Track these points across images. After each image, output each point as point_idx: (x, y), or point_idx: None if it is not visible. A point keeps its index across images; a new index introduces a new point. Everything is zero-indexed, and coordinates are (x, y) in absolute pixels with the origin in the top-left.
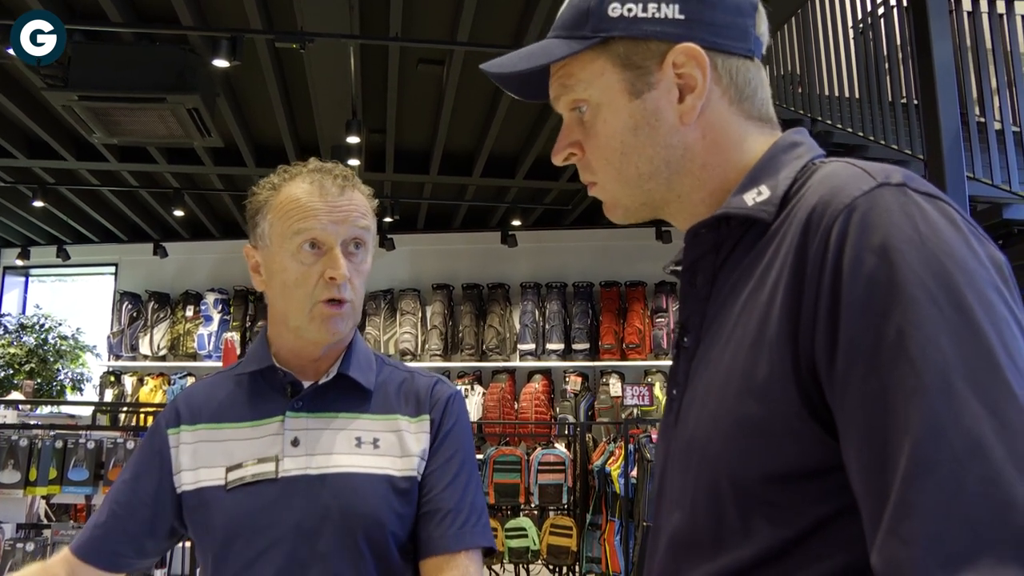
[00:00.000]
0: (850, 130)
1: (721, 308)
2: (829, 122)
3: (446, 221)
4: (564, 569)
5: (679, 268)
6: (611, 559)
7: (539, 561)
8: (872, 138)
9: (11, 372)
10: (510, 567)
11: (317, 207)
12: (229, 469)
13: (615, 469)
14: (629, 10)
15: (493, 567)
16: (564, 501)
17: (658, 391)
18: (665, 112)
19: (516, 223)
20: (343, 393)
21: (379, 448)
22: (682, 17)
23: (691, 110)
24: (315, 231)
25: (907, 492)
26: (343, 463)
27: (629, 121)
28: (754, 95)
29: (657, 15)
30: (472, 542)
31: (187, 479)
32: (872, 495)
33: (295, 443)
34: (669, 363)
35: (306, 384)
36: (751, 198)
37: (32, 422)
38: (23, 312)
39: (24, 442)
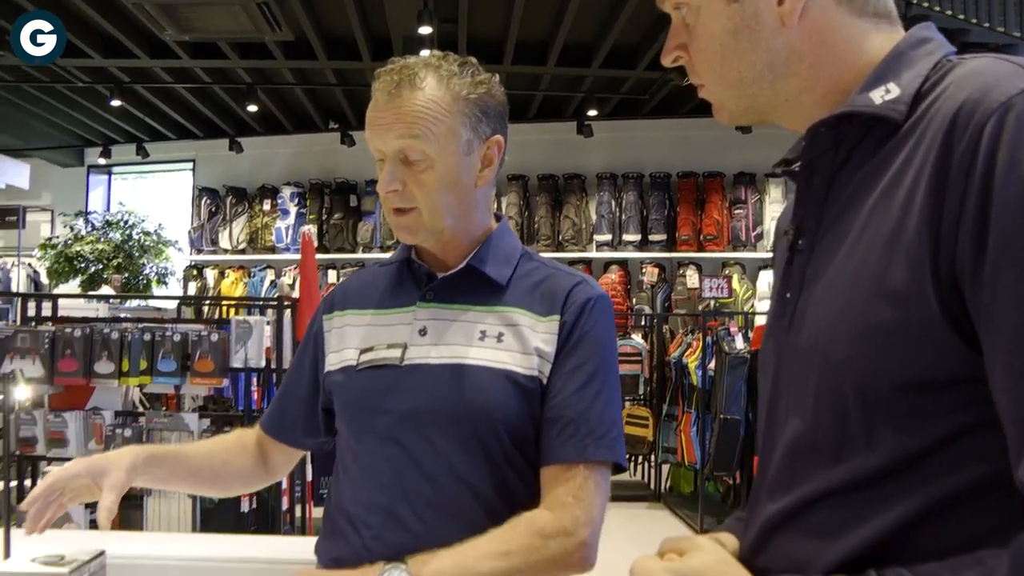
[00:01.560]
0: (949, 13)
1: (843, 210)
2: (926, 4)
3: (521, 111)
4: (640, 458)
5: (791, 167)
6: (687, 450)
7: None
8: (975, 21)
9: (100, 267)
10: None
11: (372, 117)
12: (362, 351)
13: (692, 361)
14: None
15: None
16: (641, 392)
17: (736, 283)
18: (764, 14)
19: (592, 113)
20: (474, 286)
21: (502, 343)
22: None
23: (791, 12)
24: (372, 142)
25: None
26: (464, 355)
27: (728, 24)
28: None
29: None
30: (595, 455)
31: (332, 360)
32: (1018, 409)
33: (423, 332)
34: (747, 255)
35: (440, 275)
36: (878, 96)
37: (122, 315)
38: (108, 209)
39: (115, 335)
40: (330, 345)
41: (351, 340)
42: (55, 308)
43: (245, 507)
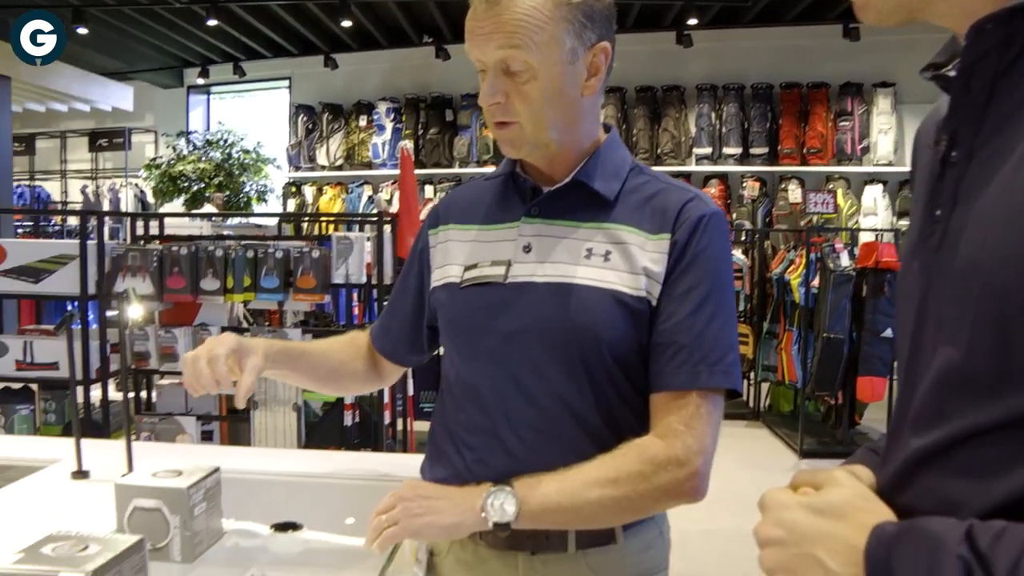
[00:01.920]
0: None
1: (1007, 119)
2: None
3: (618, 21)
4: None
5: (942, 71)
6: (788, 369)
7: None
8: None
9: (202, 186)
10: None
11: (471, 27)
12: (466, 268)
13: (795, 278)
14: None
15: None
16: (741, 308)
17: (840, 199)
18: None
19: (692, 22)
20: (580, 201)
21: (609, 261)
22: None
23: None
24: (471, 53)
25: None
26: (569, 273)
27: None
28: None
29: None
30: (708, 381)
31: (436, 276)
32: None
33: (527, 249)
34: (852, 169)
35: (545, 189)
36: None
37: (225, 232)
38: (207, 129)
39: (220, 253)
40: (435, 261)
41: (455, 256)
42: (162, 227)
43: (348, 421)
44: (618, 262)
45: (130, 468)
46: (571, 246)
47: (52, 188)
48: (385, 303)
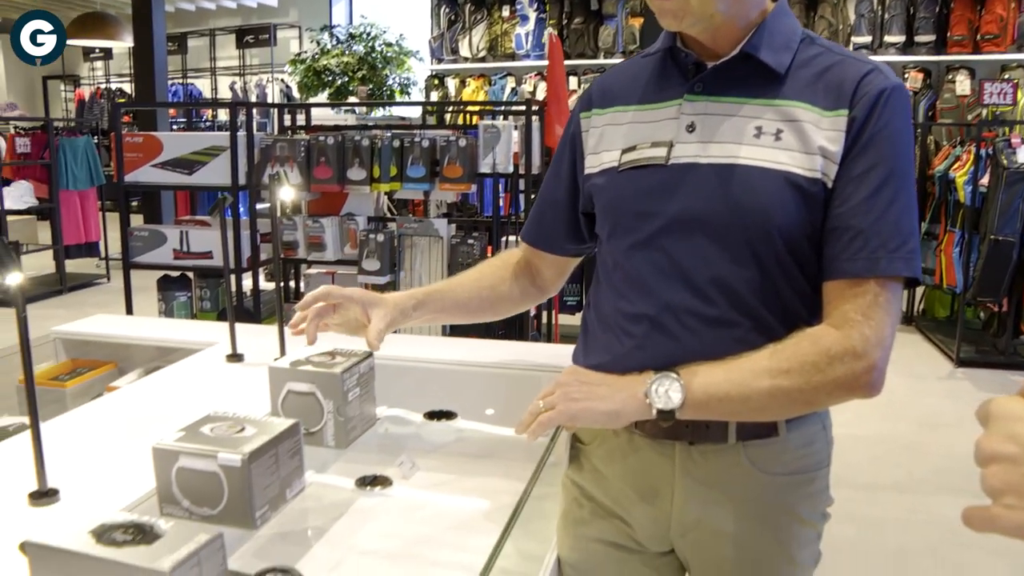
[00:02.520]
0: None
1: None
2: None
3: None
4: None
5: None
6: (947, 272)
7: None
8: None
9: (346, 80)
10: None
11: None
12: (624, 151)
13: (961, 176)
14: None
15: None
16: None
17: (1020, 91)
18: None
19: None
20: (749, 76)
21: (781, 141)
22: None
23: None
24: None
25: None
26: (738, 154)
27: None
28: None
29: None
30: (887, 268)
31: (591, 162)
32: None
33: (691, 128)
34: None
35: (709, 65)
36: None
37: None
38: (350, 23)
39: (366, 142)
40: (588, 146)
41: (612, 139)
42: (308, 118)
43: None
44: (791, 141)
45: (283, 352)
46: (739, 124)
47: (203, 85)
48: (533, 197)
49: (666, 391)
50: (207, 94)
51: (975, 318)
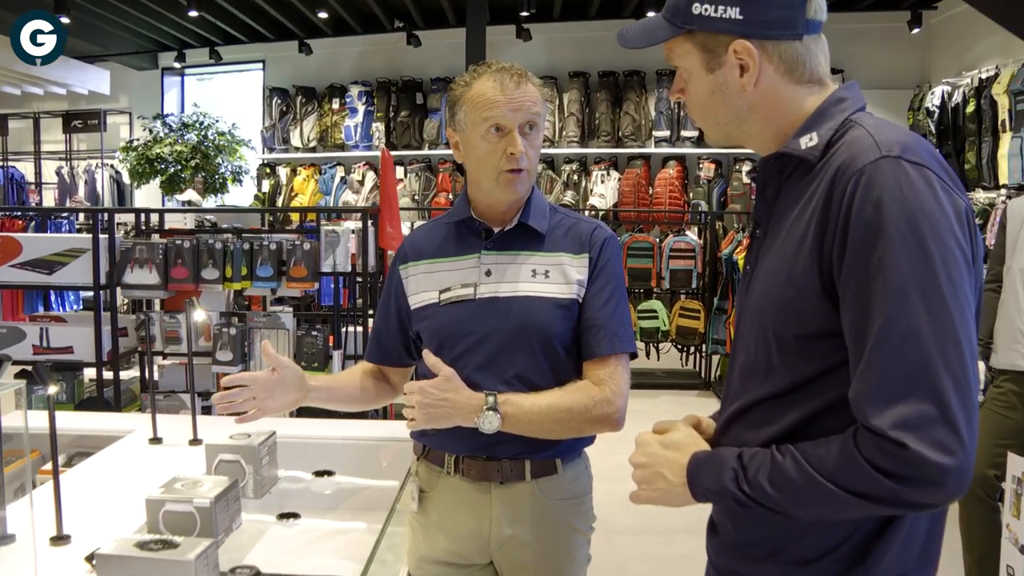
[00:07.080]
0: None
1: (781, 216)
2: None
3: (582, 10)
4: (691, 349)
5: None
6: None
7: (668, 341)
8: None
9: (179, 168)
10: (641, 345)
11: (499, 99)
12: (441, 291)
13: (743, 257)
14: (705, 10)
15: None
16: (693, 286)
17: None
18: (732, 83)
19: (651, 14)
20: (523, 236)
21: (549, 277)
22: (740, 18)
23: (748, 83)
24: (498, 118)
25: (872, 354)
26: (522, 288)
27: (708, 88)
28: (803, 66)
29: (724, 15)
30: (620, 348)
31: (414, 300)
32: (854, 355)
33: (488, 273)
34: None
35: (496, 230)
36: (804, 142)
37: (207, 216)
38: (182, 110)
39: (219, 245)
40: (409, 289)
41: (429, 284)
42: (162, 221)
43: None
44: (556, 277)
45: (195, 434)
46: (521, 268)
47: (25, 168)
48: (370, 290)
49: (488, 421)
50: (30, 177)
51: None
